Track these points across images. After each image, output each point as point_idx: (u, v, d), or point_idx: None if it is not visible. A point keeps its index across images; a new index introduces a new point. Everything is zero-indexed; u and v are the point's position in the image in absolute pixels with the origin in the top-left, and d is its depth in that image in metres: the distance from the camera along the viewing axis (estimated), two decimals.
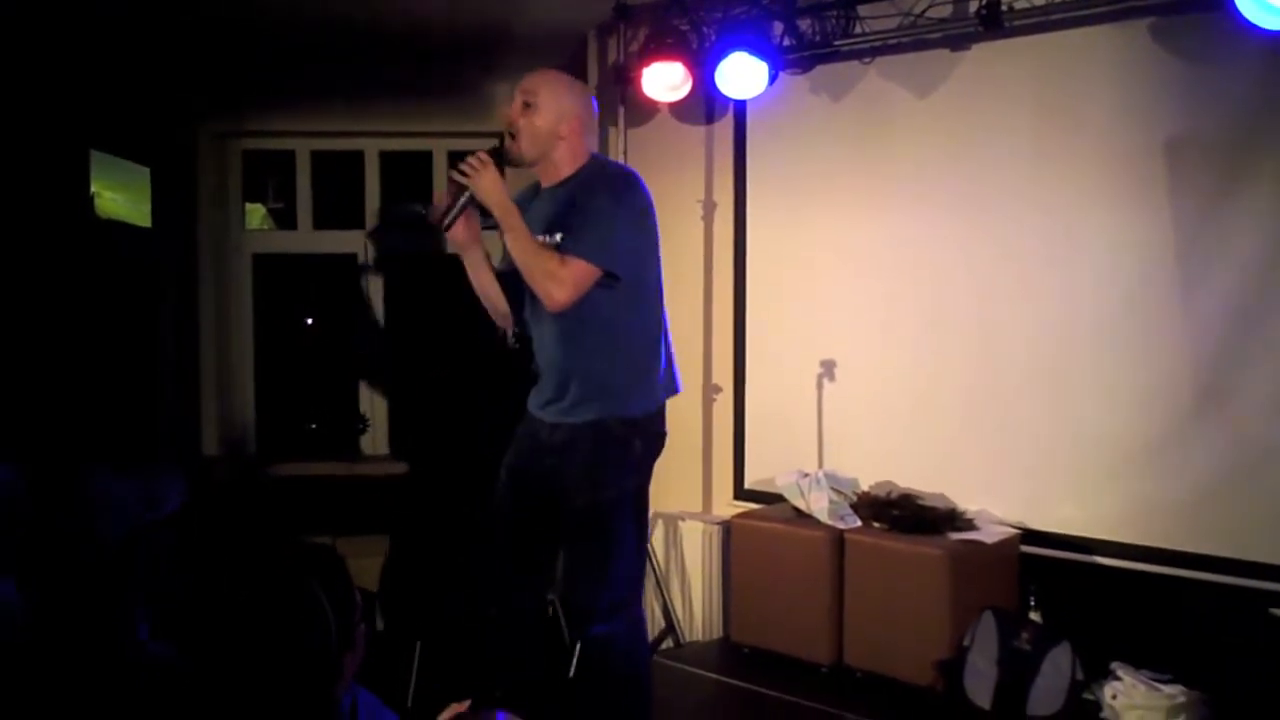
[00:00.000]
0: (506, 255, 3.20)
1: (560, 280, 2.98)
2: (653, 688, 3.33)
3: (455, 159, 6.17)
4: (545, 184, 3.21)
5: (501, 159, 3.11)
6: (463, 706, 1.97)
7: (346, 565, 1.89)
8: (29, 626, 2.22)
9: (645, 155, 4.87)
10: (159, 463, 4.34)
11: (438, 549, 5.09)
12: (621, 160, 4.84)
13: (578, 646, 3.16)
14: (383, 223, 6.01)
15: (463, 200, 3.03)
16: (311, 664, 1.73)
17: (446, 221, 3.06)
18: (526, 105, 3.11)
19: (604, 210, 3.02)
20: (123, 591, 2.29)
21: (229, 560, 1.85)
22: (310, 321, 6.53)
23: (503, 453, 3.33)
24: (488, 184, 2.98)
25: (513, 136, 3.11)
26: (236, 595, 1.78)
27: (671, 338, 3.24)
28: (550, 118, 3.10)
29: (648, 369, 3.19)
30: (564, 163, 3.15)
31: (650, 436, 3.19)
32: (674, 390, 3.25)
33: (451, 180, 3.05)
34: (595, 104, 3.27)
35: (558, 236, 3.09)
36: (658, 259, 3.19)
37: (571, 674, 3.22)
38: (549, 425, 3.18)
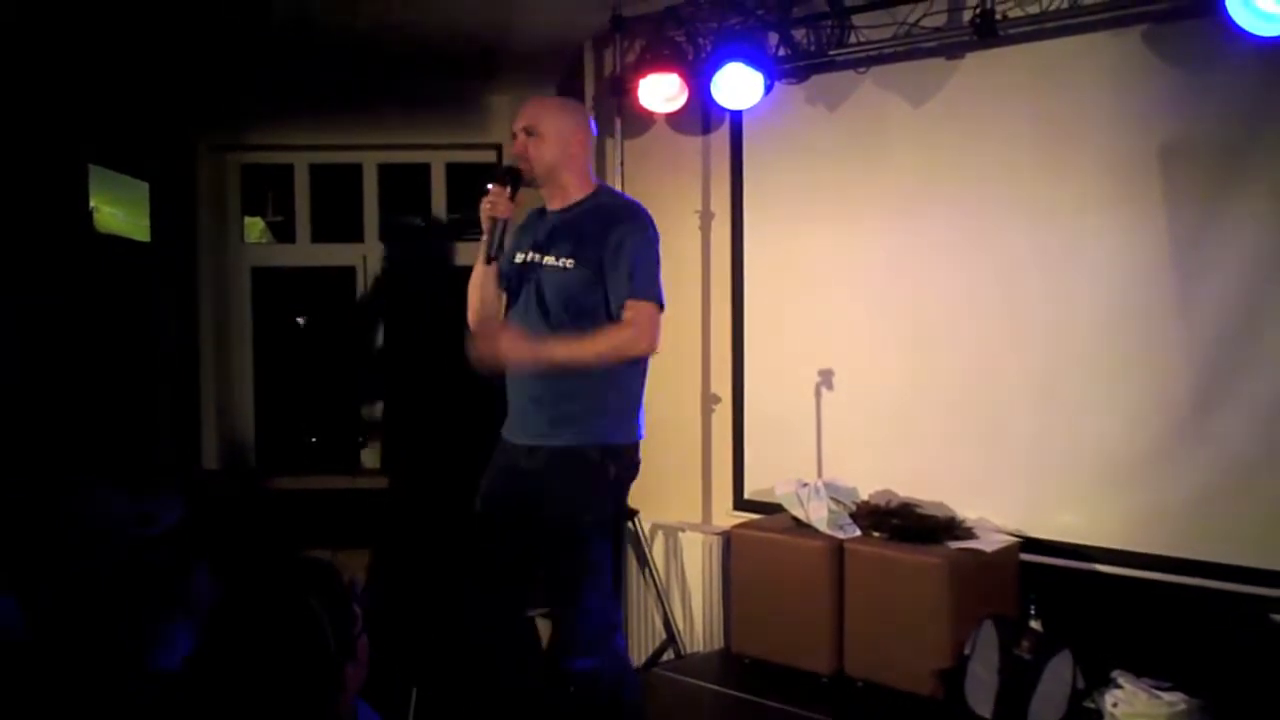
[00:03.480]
0: (510, 266, 3.24)
1: (647, 336, 3.09)
2: (646, 713, 3.33)
3: (453, 171, 6.24)
4: (553, 206, 3.25)
5: (517, 181, 3.16)
6: None
7: (342, 577, 1.90)
8: (29, 642, 2.23)
9: (642, 166, 4.89)
10: (156, 479, 4.34)
11: (420, 566, 5.08)
12: (619, 170, 4.86)
13: (573, 675, 3.15)
14: (382, 236, 6.03)
15: (499, 231, 3.15)
16: (312, 677, 1.74)
17: (493, 253, 3.19)
18: (529, 134, 3.17)
19: (641, 249, 3.12)
20: (121, 607, 2.28)
21: (225, 576, 1.85)
22: (302, 321, 6.53)
23: (484, 469, 3.34)
24: (518, 347, 3.09)
25: (525, 161, 3.18)
26: (234, 610, 1.78)
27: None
28: (555, 141, 3.17)
29: (634, 399, 3.22)
30: (572, 186, 3.22)
31: (626, 465, 3.20)
32: (640, 433, 3.28)
33: (485, 217, 3.17)
34: (594, 123, 3.31)
35: (569, 262, 3.13)
36: None
37: (572, 689, 3.22)
38: (526, 450, 3.19)
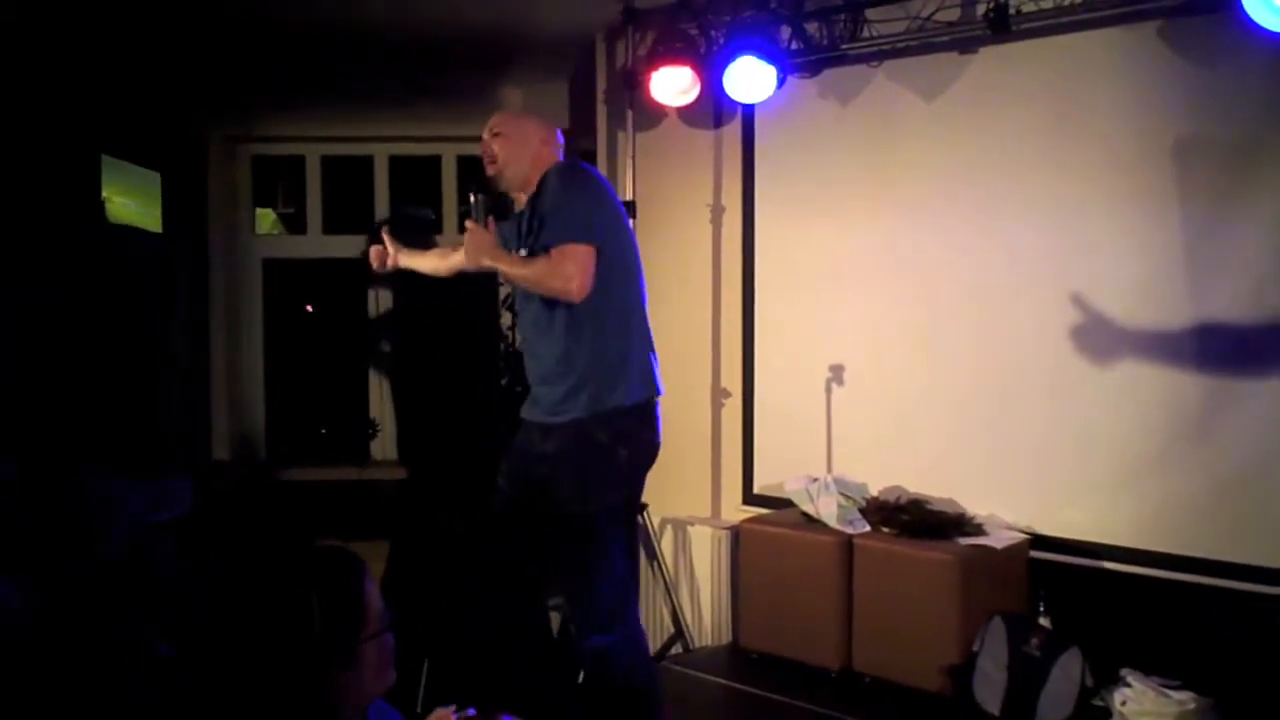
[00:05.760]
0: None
1: (562, 273, 3.06)
2: (661, 696, 3.33)
3: (464, 163, 6.24)
4: (522, 203, 3.34)
5: (489, 191, 3.29)
6: (448, 714, 1.96)
7: (358, 570, 1.84)
8: (31, 625, 2.23)
9: (654, 159, 4.88)
10: (168, 467, 4.36)
11: (437, 555, 5.09)
12: (630, 163, 4.85)
13: (586, 653, 3.18)
14: (392, 227, 6.03)
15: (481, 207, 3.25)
16: (289, 667, 1.70)
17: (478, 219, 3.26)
18: (496, 134, 3.32)
19: (558, 194, 3.16)
20: (126, 591, 2.29)
21: (232, 563, 1.85)
22: (310, 309, 6.54)
23: (501, 457, 3.37)
24: (480, 243, 3.19)
25: (492, 163, 3.31)
26: (227, 595, 1.78)
27: (652, 335, 3.28)
28: (516, 139, 3.31)
29: (621, 352, 3.20)
30: (533, 177, 3.30)
31: (637, 446, 3.20)
32: (656, 389, 3.25)
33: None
34: (560, 134, 3.41)
35: (523, 252, 3.23)
36: (626, 240, 3.27)
37: (581, 680, 3.24)
38: (540, 430, 3.24)
